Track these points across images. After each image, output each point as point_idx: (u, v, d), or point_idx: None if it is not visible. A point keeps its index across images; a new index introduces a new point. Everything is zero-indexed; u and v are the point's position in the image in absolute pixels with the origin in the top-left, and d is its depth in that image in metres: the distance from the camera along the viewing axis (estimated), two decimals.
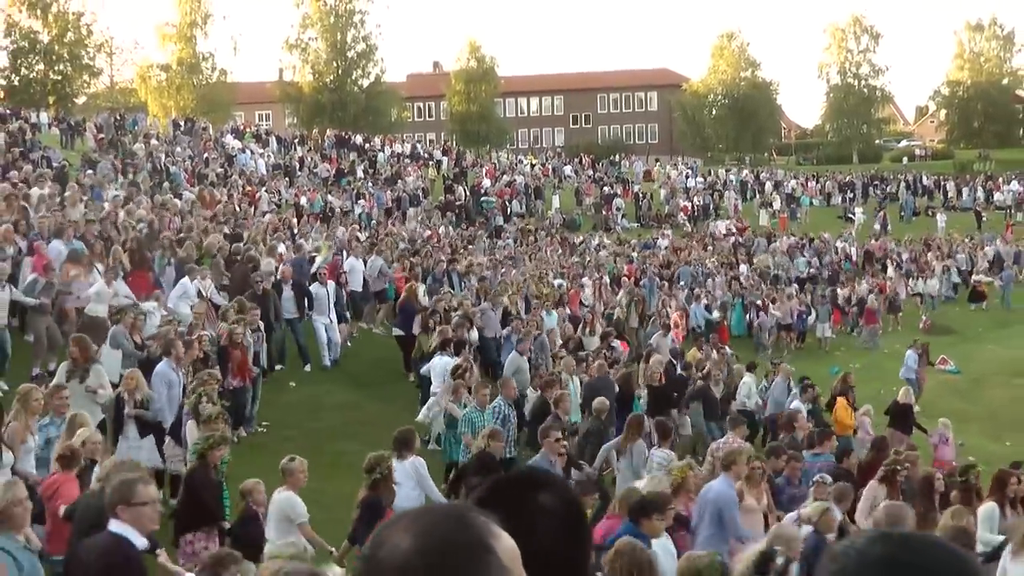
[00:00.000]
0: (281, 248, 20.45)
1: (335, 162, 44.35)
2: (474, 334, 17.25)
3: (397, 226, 32.88)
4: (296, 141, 48.26)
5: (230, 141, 41.90)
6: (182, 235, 18.50)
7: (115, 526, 5.18)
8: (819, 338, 28.07)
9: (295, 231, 24.80)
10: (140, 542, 5.21)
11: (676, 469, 9.51)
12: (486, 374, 16.84)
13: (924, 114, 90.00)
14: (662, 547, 7.17)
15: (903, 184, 52.53)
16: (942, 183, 53.44)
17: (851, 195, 51.58)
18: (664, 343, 19.71)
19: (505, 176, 47.64)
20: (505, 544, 1.41)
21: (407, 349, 17.37)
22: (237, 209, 25.66)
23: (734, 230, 42.72)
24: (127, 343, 12.53)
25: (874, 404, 16.70)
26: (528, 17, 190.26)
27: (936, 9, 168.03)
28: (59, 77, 53.21)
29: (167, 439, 10.78)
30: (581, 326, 20.77)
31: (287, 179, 37.17)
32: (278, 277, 17.02)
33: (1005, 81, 72.51)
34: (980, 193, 51.17)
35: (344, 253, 21.39)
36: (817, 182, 53.83)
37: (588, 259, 32.23)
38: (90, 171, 27.66)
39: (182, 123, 45.50)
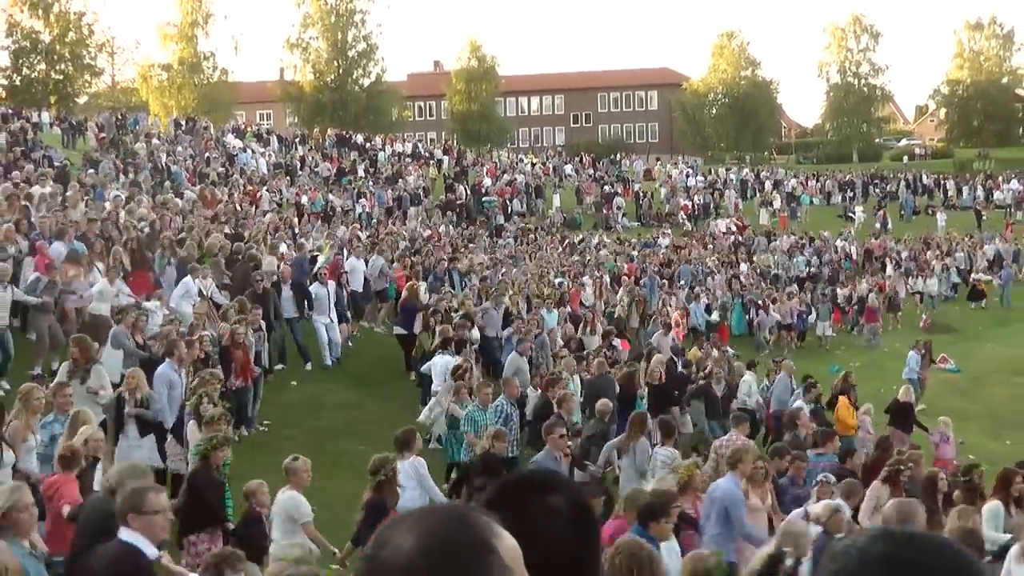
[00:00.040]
0: (283, 247, 20.47)
1: (336, 161, 44.35)
2: (475, 333, 17.25)
3: (398, 225, 32.87)
4: (297, 140, 48.22)
5: (231, 140, 41.90)
6: (183, 234, 18.51)
7: (125, 535, 5.17)
8: (819, 336, 28.08)
9: (296, 230, 24.81)
10: (151, 552, 5.21)
11: (683, 468, 9.50)
12: (488, 373, 16.85)
13: (924, 113, 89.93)
14: (667, 547, 7.16)
15: (903, 183, 52.49)
16: (942, 182, 53.39)
17: (851, 194, 51.55)
18: (665, 342, 19.69)
19: (506, 175, 47.59)
20: (507, 544, 1.41)
21: (408, 348, 17.37)
22: (238, 208, 25.67)
23: (734, 229, 42.69)
24: (129, 343, 12.54)
25: (874, 403, 16.70)
26: (528, 16, 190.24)
27: (936, 8, 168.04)
28: (60, 77, 53.26)
29: (169, 438, 10.79)
30: (582, 326, 20.77)
31: (288, 178, 37.14)
32: (278, 277, 17.04)
33: (1005, 80, 72.54)
34: (980, 192, 51.13)
35: (345, 252, 21.39)
36: (817, 181, 53.80)
37: (588, 258, 32.23)
38: (91, 170, 27.70)
39: (183, 122, 45.49)
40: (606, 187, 48.93)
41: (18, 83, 52.43)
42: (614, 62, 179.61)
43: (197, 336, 12.54)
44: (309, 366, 17.09)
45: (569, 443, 10.64)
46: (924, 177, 54.55)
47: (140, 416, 10.55)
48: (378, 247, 22.64)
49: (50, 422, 9.30)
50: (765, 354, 23.69)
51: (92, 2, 54.01)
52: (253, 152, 40.40)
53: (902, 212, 48.30)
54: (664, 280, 28.64)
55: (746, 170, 57.58)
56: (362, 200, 36.35)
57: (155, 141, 36.63)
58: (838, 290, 30.80)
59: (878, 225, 43.84)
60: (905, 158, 69.35)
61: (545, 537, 1.72)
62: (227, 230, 20.94)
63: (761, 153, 71.52)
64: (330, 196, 35.28)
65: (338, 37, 62.81)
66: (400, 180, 42.01)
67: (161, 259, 16.68)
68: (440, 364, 14.40)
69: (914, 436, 15.59)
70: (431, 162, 50.11)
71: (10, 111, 37.94)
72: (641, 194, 48.13)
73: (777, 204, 47.97)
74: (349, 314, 19.02)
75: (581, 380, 15.32)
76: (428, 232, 31.57)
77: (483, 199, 42.84)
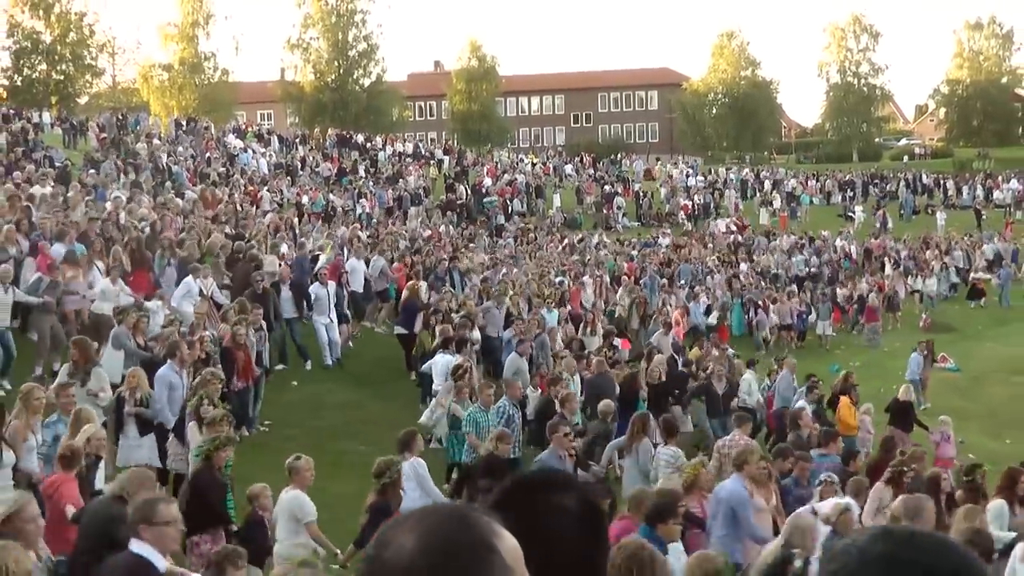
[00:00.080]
0: (283, 248, 20.47)
1: (336, 161, 44.36)
2: (476, 333, 17.25)
3: (398, 225, 32.88)
4: (298, 140, 48.24)
5: (232, 141, 41.90)
6: (183, 235, 18.51)
7: (136, 546, 5.18)
8: (819, 336, 28.08)
9: (297, 230, 24.81)
10: (161, 564, 5.23)
11: (688, 467, 9.49)
12: (490, 373, 16.84)
13: (924, 113, 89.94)
14: (672, 548, 7.15)
15: (903, 182, 52.52)
16: (942, 181, 53.43)
17: (851, 193, 51.56)
18: (666, 341, 19.69)
19: (506, 175, 47.59)
20: (508, 544, 1.41)
21: (409, 348, 17.37)
22: (239, 208, 25.63)
23: (734, 229, 42.69)
24: (130, 343, 12.55)
25: (875, 402, 16.69)
26: (529, 16, 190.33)
27: (935, 8, 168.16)
28: (61, 77, 53.30)
29: (171, 437, 10.79)
30: (582, 326, 20.76)
31: (289, 178, 37.14)
32: (277, 277, 17.05)
33: (1004, 80, 72.63)
34: (980, 191, 51.17)
35: (345, 252, 21.39)
36: (817, 181, 53.81)
37: (588, 258, 32.22)
38: (92, 171, 27.71)
39: (184, 123, 45.46)
40: (606, 187, 48.93)
41: (19, 83, 52.46)
42: (614, 62, 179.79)
43: (198, 336, 12.55)
44: (309, 365, 17.09)
45: (574, 443, 10.63)
46: (924, 177, 54.58)
47: (139, 415, 10.56)
48: (379, 247, 22.63)
49: (53, 422, 9.32)
50: (763, 354, 23.67)
51: (93, 2, 54.24)
52: (254, 152, 40.41)
53: (902, 212, 48.31)
54: (664, 280, 28.63)
55: (746, 170, 57.60)
56: (363, 200, 36.35)
57: (156, 141, 36.63)
58: (838, 290, 30.78)
59: (878, 225, 43.84)
60: (905, 158, 69.38)
61: (555, 536, 1.73)
62: (228, 230, 20.92)
63: (761, 153, 71.53)
64: (331, 196, 35.26)
65: (339, 37, 62.79)
66: (400, 180, 42.01)
67: (161, 259, 16.69)
68: (441, 363, 14.40)
69: (914, 435, 15.59)
70: (431, 162, 50.13)
71: (11, 111, 37.98)
72: (641, 194, 48.13)
73: (777, 204, 47.98)
74: (349, 314, 19.03)
75: (581, 380, 15.32)
76: (428, 232, 31.57)
77: (483, 199, 42.84)
